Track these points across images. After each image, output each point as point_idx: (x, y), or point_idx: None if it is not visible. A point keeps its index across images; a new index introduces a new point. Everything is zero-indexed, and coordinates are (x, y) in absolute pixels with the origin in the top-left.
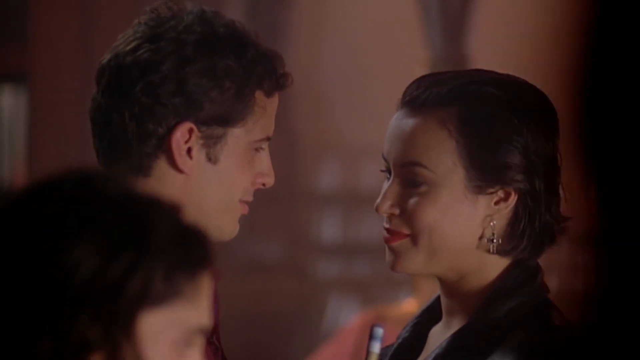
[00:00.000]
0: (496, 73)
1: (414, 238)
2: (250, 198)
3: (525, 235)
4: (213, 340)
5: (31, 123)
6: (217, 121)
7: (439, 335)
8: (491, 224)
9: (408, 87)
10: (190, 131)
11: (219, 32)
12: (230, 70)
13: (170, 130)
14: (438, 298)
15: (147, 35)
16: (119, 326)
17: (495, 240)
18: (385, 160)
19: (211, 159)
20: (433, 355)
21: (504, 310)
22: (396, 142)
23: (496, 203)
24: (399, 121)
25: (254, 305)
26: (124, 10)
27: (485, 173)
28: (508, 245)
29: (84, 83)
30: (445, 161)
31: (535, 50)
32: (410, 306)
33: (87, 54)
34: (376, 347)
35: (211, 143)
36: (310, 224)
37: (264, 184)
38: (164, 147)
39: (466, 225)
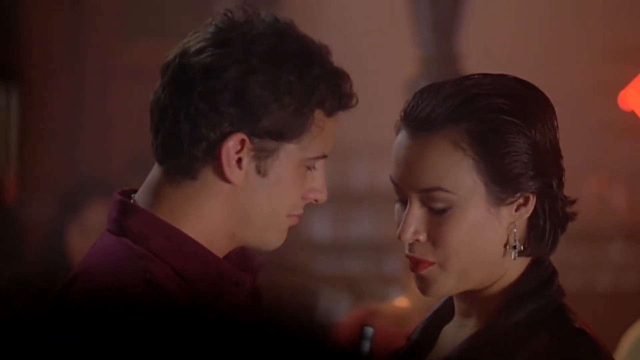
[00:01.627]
0: (489, 77)
1: (442, 264)
2: (300, 211)
3: (547, 232)
4: None
5: (22, 122)
6: (271, 135)
7: (452, 336)
8: (514, 230)
9: (409, 108)
10: (243, 142)
11: (288, 46)
12: (292, 86)
13: (223, 138)
14: (448, 299)
15: (215, 38)
16: None
17: (517, 247)
18: (396, 184)
19: (260, 172)
20: (454, 354)
21: (524, 313)
22: (409, 168)
23: (517, 209)
24: (407, 146)
25: None
26: (114, 9)
27: (504, 184)
28: (531, 247)
29: (74, 82)
30: (466, 181)
31: (525, 47)
32: (400, 303)
33: (78, 53)
34: (366, 347)
35: (262, 156)
36: (301, 222)
37: (316, 200)
38: (214, 153)
39: (492, 239)
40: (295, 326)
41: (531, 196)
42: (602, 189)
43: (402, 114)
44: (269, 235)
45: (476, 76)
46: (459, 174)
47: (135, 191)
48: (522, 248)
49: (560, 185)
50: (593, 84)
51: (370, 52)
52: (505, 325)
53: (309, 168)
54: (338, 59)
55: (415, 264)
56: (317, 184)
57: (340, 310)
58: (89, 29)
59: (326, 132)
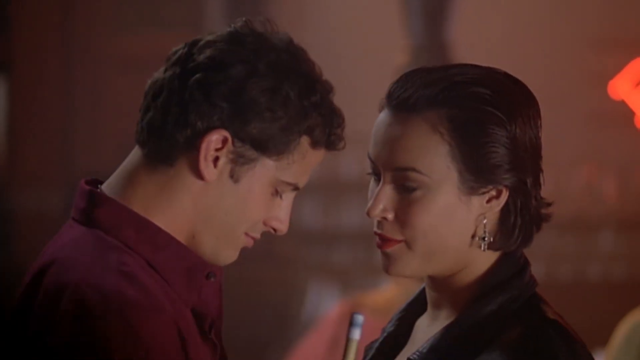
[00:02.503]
0: (477, 68)
1: (409, 243)
2: (257, 235)
3: (517, 228)
4: (211, 336)
5: (11, 111)
6: (254, 143)
7: (425, 328)
8: (483, 222)
9: (394, 88)
10: (225, 141)
11: (296, 66)
12: (289, 101)
13: (208, 130)
14: (422, 291)
15: (230, 36)
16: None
17: (486, 238)
18: (373, 162)
19: (233, 177)
20: (427, 347)
21: (496, 304)
22: (387, 146)
23: (488, 201)
24: (387, 125)
25: (234, 294)
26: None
27: (478, 174)
28: (500, 240)
29: (64, 71)
30: (440, 165)
31: (515, 37)
32: (389, 293)
33: (68, 43)
34: (356, 334)
35: (240, 162)
36: (291, 211)
37: (275, 230)
38: (195, 143)
39: (460, 227)
40: None
41: (504, 190)
42: (593, 179)
43: (387, 93)
44: (223, 248)
45: (465, 65)
46: (434, 158)
47: (101, 182)
48: (491, 240)
49: (536, 184)
50: (583, 73)
51: (360, 42)
52: (478, 317)
53: (278, 194)
54: (329, 49)
55: (383, 242)
56: (281, 215)
57: (329, 300)
58: (80, 20)
59: (306, 162)
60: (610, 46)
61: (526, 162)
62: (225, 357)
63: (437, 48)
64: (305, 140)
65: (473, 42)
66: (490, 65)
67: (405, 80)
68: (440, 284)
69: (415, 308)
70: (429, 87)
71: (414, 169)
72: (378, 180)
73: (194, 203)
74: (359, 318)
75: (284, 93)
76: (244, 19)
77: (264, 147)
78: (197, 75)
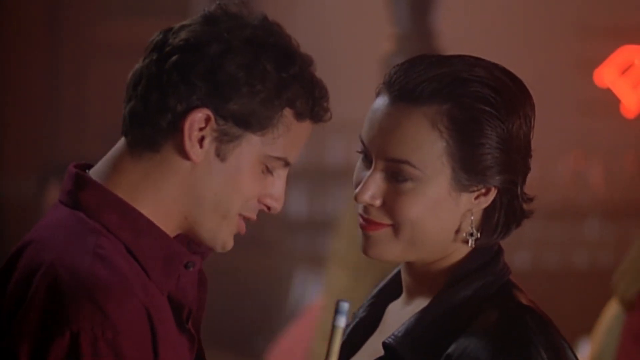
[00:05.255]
0: (480, 63)
1: (396, 230)
2: (251, 215)
3: (499, 225)
4: (188, 326)
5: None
6: (236, 120)
7: (398, 312)
8: (470, 218)
9: (396, 76)
10: (208, 120)
11: (272, 40)
12: (266, 74)
13: (189, 111)
14: (394, 276)
15: (204, 18)
16: None
17: (474, 234)
18: (365, 146)
19: (220, 155)
20: (402, 330)
21: (471, 289)
22: (382, 135)
23: (476, 198)
24: (385, 113)
25: (221, 282)
26: None
27: (471, 173)
28: (483, 237)
29: (50, 58)
30: (434, 161)
31: (502, 25)
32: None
33: (54, 30)
34: (342, 322)
35: (225, 140)
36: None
37: (269, 208)
38: (178, 126)
39: (447, 221)
40: None
41: (493, 188)
42: (579, 166)
43: (387, 78)
44: (219, 230)
45: (468, 59)
46: (430, 154)
47: (90, 166)
48: (478, 236)
49: (523, 183)
50: (569, 61)
51: (346, 30)
52: (453, 302)
53: (269, 171)
54: (316, 37)
55: (368, 224)
56: (275, 192)
57: (314, 288)
58: (66, 6)
59: (292, 135)
60: (596, 34)
61: (518, 164)
62: (202, 350)
63: (423, 36)
64: (288, 113)
65: (459, 31)
66: (477, 54)
67: (408, 69)
68: (417, 270)
69: (386, 293)
70: (433, 81)
71: (408, 162)
72: (366, 161)
73: (183, 187)
74: (345, 305)
75: (260, 67)
76: (217, 2)
77: (247, 122)
78: (173, 58)
